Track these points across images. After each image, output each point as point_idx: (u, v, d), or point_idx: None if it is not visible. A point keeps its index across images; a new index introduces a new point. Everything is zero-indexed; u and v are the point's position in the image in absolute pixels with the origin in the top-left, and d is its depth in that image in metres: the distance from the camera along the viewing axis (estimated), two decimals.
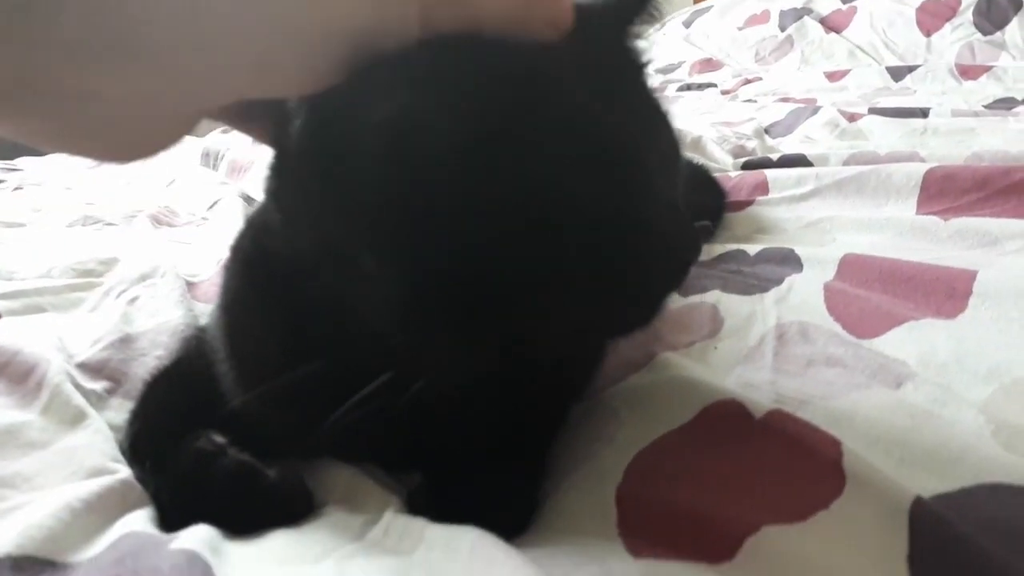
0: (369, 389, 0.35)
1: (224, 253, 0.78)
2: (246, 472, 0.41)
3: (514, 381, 0.42)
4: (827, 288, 0.59)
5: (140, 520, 0.37)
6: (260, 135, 0.37)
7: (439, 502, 0.41)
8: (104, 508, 0.37)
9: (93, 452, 0.42)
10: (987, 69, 1.48)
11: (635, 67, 0.41)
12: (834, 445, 0.37)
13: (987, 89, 1.38)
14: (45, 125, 0.25)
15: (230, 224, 0.89)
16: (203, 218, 0.98)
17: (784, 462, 0.37)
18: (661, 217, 0.36)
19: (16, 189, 1.34)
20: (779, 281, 0.62)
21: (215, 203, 0.97)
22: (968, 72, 1.50)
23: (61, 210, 1.05)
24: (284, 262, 0.38)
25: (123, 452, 0.44)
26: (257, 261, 0.42)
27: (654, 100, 0.41)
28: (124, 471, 0.41)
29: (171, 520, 0.39)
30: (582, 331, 0.41)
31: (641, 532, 0.36)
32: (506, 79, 0.32)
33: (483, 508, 0.40)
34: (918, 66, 1.61)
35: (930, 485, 0.35)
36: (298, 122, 0.33)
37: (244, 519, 0.39)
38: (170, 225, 0.95)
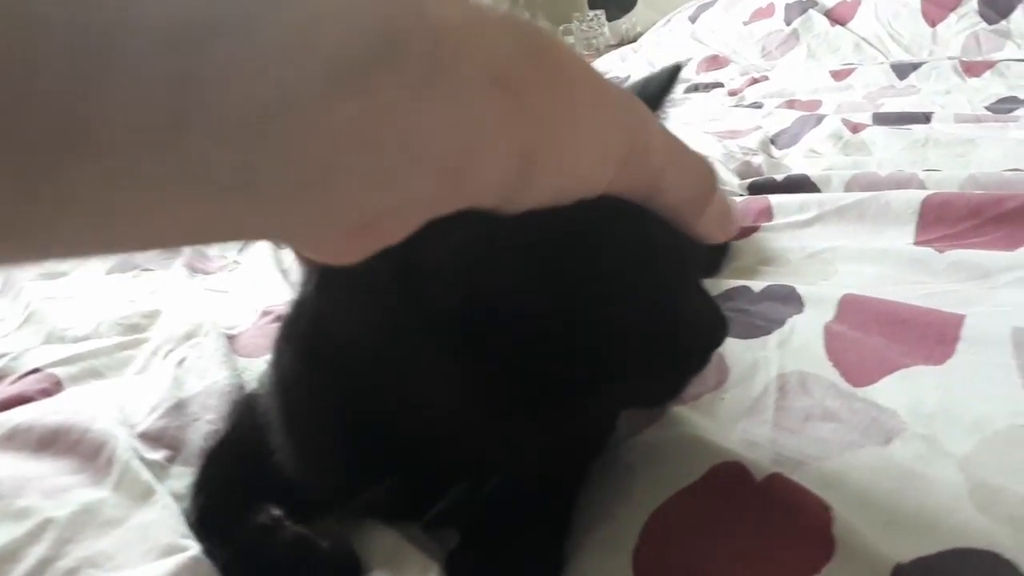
0: (446, 502, 0.40)
1: (260, 303, 0.84)
2: (303, 544, 0.46)
3: (544, 445, 0.47)
4: (827, 330, 0.63)
5: None
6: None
7: (475, 564, 0.46)
8: None
9: (164, 529, 0.47)
10: (991, 65, 1.50)
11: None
12: (825, 511, 0.41)
13: (991, 87, 1.40)
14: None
15: (262, 270, 0.94)
16: (235, 261, 1.03)
17: (781, 527, 0.42)
18: (693, 306, 0.42)
19: None
20: (781, 322, 0.66)
21: (244, 245, 1.03)
22: (972, 69, 1.51)
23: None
24: (343, 349, 0.43)
25: (191, 525, 0.49)
26: (314, 348, 0.46)
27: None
28: (194, 547, 0.46)
29: None
30: (621, 406, 0.47)
31: None
32: None
33: (516, 570, 0.45)
34: (923, 63, 1.63)
35: (911, 549, 0.39)
36: None
37: None
38: (205, 272, 1.00)
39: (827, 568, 0.39)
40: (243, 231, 0.23)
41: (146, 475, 0.52)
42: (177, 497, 0.52)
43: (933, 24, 1.86)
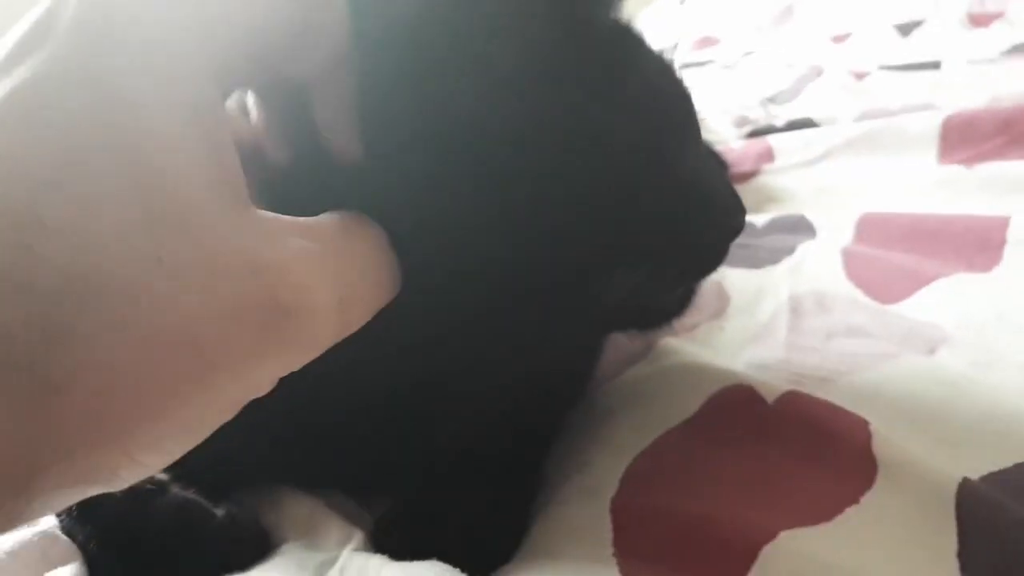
0: None
1: None
2: (189, 512, 0.36)
3: (506, 389, 0.37)
4: (845, 253, 0.53)
5: None
6: None
7: (413, 532, 0.35)
8: (19, 568, 0.32)
9: None
10: (998, 15, 1.41)
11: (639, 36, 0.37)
12: (861, 427, 0.31)
13: (1001, 36, 1.31)
14: None
15: None
16: None
17: (804, 452, 0.32)
18: (711, 180, 0.33)
19: None
20: (791, 250, 0.56)
21: None
22: (979, 20, 1.42)
23: None
24: None
25: None
26: None
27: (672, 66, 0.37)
28: (46, 522, 0.36)
29: (102, 574, 0.34)
30: (619, 313, 0.36)
31: (639, 550, 0.30)
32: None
33: (462, 538, 0.35)
34: (925, 20, 1.54)
35: (978, 464, 0.29)
36: None
37: (187, 567, 0.34)
38: None
39: (869, 495, 0.29)
40: None
41: None
42: None
43: None
